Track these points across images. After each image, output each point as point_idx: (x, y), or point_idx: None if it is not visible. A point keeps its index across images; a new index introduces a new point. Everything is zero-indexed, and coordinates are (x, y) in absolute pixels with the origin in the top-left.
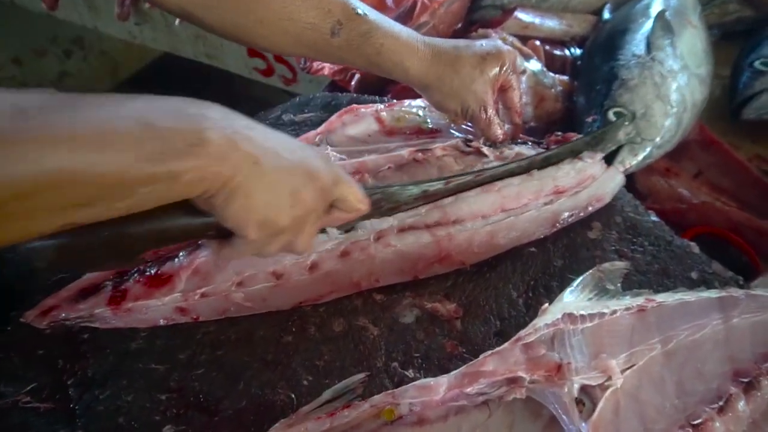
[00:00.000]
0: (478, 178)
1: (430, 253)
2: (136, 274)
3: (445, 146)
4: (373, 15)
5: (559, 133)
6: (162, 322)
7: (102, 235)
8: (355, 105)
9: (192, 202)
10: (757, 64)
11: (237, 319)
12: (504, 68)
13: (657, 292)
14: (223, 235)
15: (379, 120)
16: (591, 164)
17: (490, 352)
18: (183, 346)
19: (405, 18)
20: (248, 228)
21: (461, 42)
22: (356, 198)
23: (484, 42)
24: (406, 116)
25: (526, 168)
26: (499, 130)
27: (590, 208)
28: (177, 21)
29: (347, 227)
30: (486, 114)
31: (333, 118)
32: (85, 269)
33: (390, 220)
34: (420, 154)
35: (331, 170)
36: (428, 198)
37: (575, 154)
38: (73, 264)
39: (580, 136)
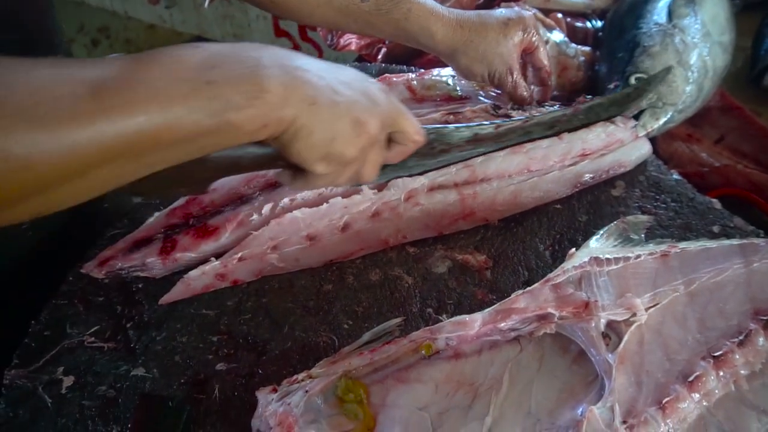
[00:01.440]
0: (526, 125)
1: (455, 210)
2: (184, 227)
3: (475, 109)
4: None
5: (589, 96)
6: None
7: (181, 164)
8: (387, 75)
9: None
10: None
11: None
12: (527, 32)
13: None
14: (294, 165)
15: (410, 88)
16: (622, 129)
17: (521, 291)
18: (230, 294)
19: None
20: (315, 164)
21: (483, 11)
22: (414, 129)
23: (504, 10)
24: (436, 84)
25: (570, 116)
26: (525, 92)
27: (611, 172)
28: (207, 3)
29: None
30: (512, 77)
31: None
32: (161, 194)
33: (421, 179)
34: (451, 116)
35: (390, 100)
36: (477, 141)
37: (608, 108)
38: (151, 188)
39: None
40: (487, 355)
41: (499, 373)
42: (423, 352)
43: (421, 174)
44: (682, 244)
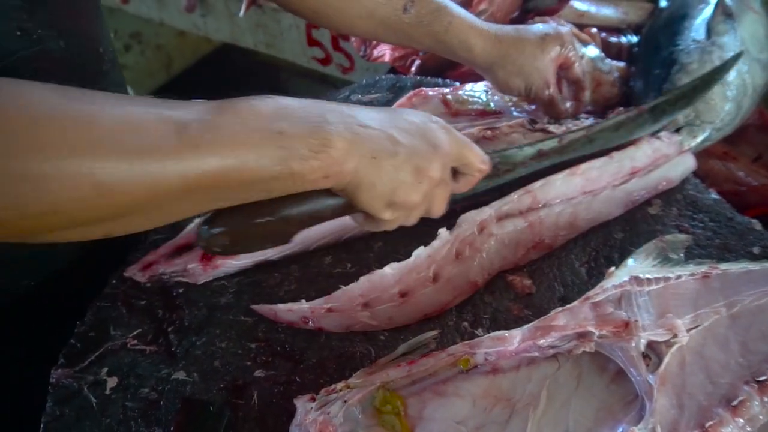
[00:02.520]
0: (590, 132)
1: (526, 237)
2: None
3: (511, 124)
4: None
5: (622, 108)
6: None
7: (264, 222)
8: (423, 88)
9: None
10: None
11: (317, 279)
12: (564, 47)
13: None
14: None
15: (445, 102)
16: (667, 144)
17: (560, 308)
18: (268, 302)
19: (464, 5)
20: (381, 212)
21: (520, 26)
22: (479, 159)
23: (541, 25)
24: (470, 99)
25: (635, 117)
26: (561, 107)
27: (659, 188)
28: (242, 12)
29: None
30: (549, 91)
31: (403, 100)
32: (251, 250)
33: (487, 210)
34: (489, 131)
35: (452, 136)
36: (542, 157)
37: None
38: (241, 247)
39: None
40: (524, 372)
41: (536, 390)
42: (461, 366)
43: (485, 205)
44: (723, 266)
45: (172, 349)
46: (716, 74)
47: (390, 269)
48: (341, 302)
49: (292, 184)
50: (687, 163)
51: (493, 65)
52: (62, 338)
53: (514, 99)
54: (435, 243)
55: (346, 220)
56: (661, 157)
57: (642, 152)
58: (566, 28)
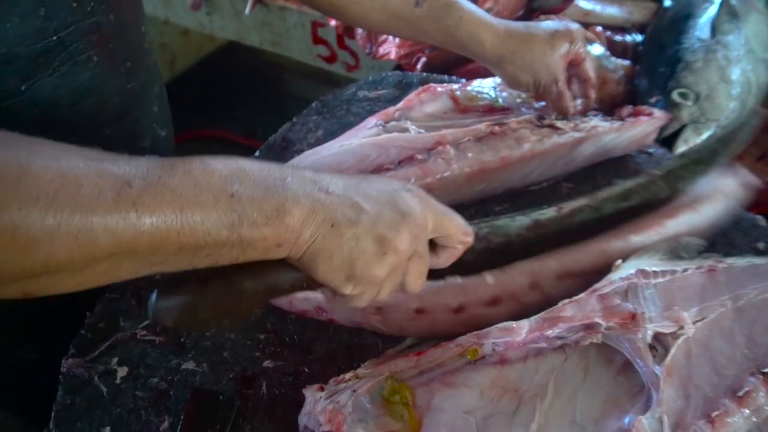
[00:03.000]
0: (594, 201)
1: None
2: None
3: (519, 120)
4: None
5: (632, 106)
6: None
7: (219, 296)
8: (431, 84)
9: None
10: None
11: None
12: (574, 44)
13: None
14: None
15: (453, 98)
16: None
17: (567, 300)
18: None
19: None
20: (342, 287)
21: (530, 22)
22: (460, 230)
23: (551, 22)
24: (479, 95)
25: (646, 184)
26: (570, 103)
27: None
28: (247, 10)
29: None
30: (557, 87)
31: (411, 96)
32: (207, 328)
33: (550, 263)
34: (497, 127)
35: (428, 206)
36: (540, 228)
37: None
38: (194, 323)
39: (655, 110)
40: (532, 363)
41: (544, 380)
42: (469, 356)
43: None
44: (729, 260)
45: (182, 340)
46: (738, 134)
47: None
48: None
49: (241, 251)
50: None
51: (503, 60)
52: (73, 330)
53: (523, 96)
54: (474, 278)
55: None
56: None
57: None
58: (576, 26)
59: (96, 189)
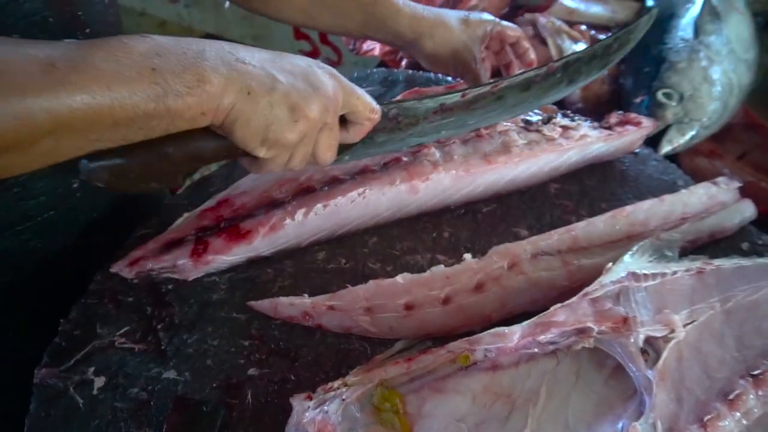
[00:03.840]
0: (496, 89)
1: (562, 282)
2: (216, 229)
3: (506, 122)
4: None
5: (621, 112)
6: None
7: (146, 159)
8: (418, 88)
9: None
10: None
11: (311, 275)
12: (492, 27)
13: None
14: None
15: None
16: (725, 191)
17: (559, 304)
18: (260, 298)
19: (454, 3)
20: (257, 149)
21: (440, 8)
22: (366, 107)
23: (462, 11)
24: None
25: (545, 75)
26: (486, 78)
27: (715, 236)
28: (227, 3)
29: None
30: (475, 65)
31: (397, 99)
32: (136, 189)
33: (524, 245)
34: (482, 129)
35: (338, 82)
36: (445, 112)
37: (589, 62)
38: (124, 184)
39: (643, 118)
40: (524, 368)
41: (536, 385)
42: (460, 362)
43: (523, 240)
44: (717, 261)
45: (162, 348)
46: (630, 34)
47: (401, 279)
48: (344, 302)
49: (171, 122)
50: (746, 212)
51: (422, 37)
52: (45, 337)
53: None
54: (457, 267)
55: (339, 216)
56: (717, 204)
57: (696, 198)
58: (490, 16)
59: (23, 72)
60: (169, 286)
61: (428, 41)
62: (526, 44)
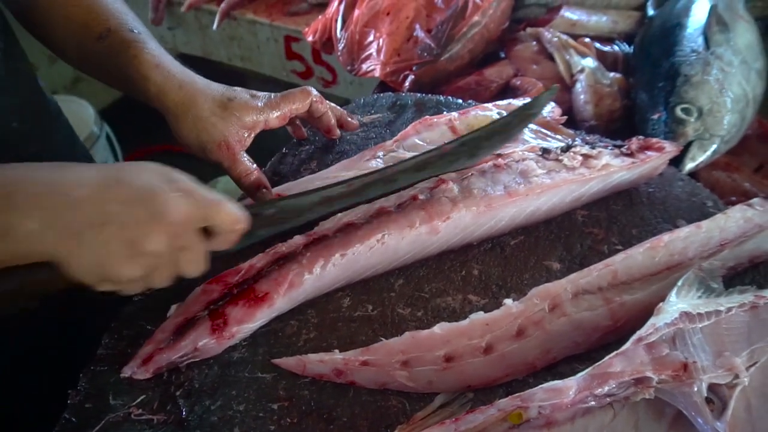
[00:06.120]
0: (387, 173)
1: (604, 321)
2: (228, 297)
3: (523, 149)
4: (145, 36)
5: (641, 137)
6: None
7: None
8: (427, 117)
9: None
10: None
11: (337, 325)
12: (261, 114)
13: (753, 284)
14: None
15: (452, 129)
16: (761, 213)
17: (614, 353)
18: (286, 354)
19: (457, 18)
20: (98, 286)
21: (212, 82)
22: (229, 220)
23: (237, 89)
24: (480, 123)
25: (439, 155)
26: (243, 170)
27: (755, 261)
28: (215, 25)
29: None
30: (225, 153)
31: (408, 129)
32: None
33: (563, 284)
34: (500, 159)
35: (190, 200)
36: (332, 202)
37: (490, 138)
38: None
39: (665, 143)
40: (580, 423)
41: None
42: (511, 421)
43: (556, 272)
44: (767, 292)
45: (183, 416)
46: (530, 109)
47: (439, 329)
48: (379, 356)
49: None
50: None
51: (168, 110)
52: (53, 414)
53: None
54: (496, 312)
55: (358, 264)
56: (754, 227)
57: (733, 222)
58: (263, 101)
59: None
60: None
61: (172, 117)
62: (321, 108)
